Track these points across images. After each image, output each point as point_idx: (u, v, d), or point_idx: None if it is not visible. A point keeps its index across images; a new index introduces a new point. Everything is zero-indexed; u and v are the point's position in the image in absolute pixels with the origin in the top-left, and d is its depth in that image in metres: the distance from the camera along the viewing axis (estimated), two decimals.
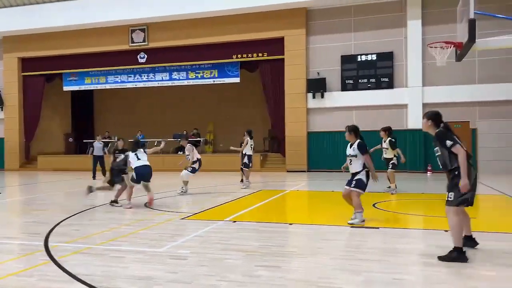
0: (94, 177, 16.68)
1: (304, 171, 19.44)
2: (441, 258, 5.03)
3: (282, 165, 20.46)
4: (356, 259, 5.21)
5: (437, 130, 5.23)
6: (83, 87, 24.24)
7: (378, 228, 6.93)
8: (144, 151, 9.86)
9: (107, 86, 23.78)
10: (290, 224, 7.55)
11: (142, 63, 22.46)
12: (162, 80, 22.73)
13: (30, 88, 24.05)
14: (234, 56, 21.09)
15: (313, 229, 7.17)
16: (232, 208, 9.36)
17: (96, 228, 7.35)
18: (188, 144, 11.76)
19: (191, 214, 8.45)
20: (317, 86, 19.53)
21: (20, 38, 23.47)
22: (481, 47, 9.73)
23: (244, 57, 20.99)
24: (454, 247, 5.03)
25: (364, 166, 7.12)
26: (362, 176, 7.09)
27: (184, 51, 21.63)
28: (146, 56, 22.31)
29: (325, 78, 19.47)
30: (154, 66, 22.53)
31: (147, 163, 9.52)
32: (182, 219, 7.97)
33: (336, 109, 19.46)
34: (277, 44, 20.24)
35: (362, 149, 7.12)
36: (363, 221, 7.09)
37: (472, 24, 8.80)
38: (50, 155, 24.48)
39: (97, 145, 17.07)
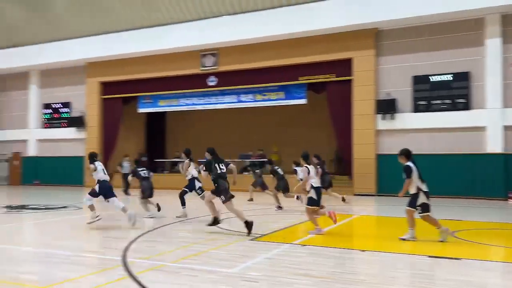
0: (126, 192, 18.37)
1: (373, 195, 18.80)
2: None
3: (349, 188, 19.96)
4: None
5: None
6: (156, 109, 25.53)
7: (460, 259, 6.48)
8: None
9: (179, 108, 24.80)
10: (363, 250, 7.31)
11: (211, 86, 23.23)
12: (231, 102, 23.32)
13: (109, 110, 25.71)
14: (301, 78, 21.18)
15: (385, 256, 6.88)
16: (300, 231, 9.26)
17: (168, 246, 7.61)
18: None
19: (260, 235, 8.47)
20: (387, 107, 18.98)
21: (101, 64, 25.25)
22: None
23: (311, 79, 21.00)
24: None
25: (419, 189, 7.68)
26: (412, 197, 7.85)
27: (251, 74, 22.06)
28: (216, 79, 23.06)
29: (395, 99, 18.90)
30: (223, 89, 23.20)
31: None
32: (251, 240, 8.01)
33: (407, 131, 18.71)
34: (345, 65, 20.02)
35: (405, 172, 7.76)
36: (414, 238, 7.84)
37: None
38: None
39: (125, 164, 19.68)
